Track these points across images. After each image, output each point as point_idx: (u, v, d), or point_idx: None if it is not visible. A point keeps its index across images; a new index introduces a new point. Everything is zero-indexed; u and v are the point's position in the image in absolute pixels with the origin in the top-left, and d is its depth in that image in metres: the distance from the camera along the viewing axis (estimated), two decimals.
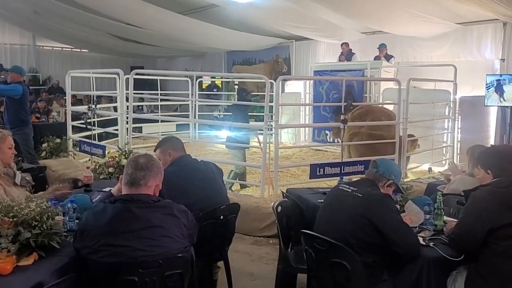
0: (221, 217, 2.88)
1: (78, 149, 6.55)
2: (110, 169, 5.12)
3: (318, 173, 5.03)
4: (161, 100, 10.03)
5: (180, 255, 2.03)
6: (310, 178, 5.09)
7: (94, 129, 6.57)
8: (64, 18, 10.59)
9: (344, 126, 5.01)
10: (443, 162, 6.86)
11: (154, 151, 3.12)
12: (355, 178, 4.67)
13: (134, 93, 6.21)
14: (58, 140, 6.58)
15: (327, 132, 8.69)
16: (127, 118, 6.18)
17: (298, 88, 9.60)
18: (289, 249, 3.06)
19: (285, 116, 8.76)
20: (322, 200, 2.78)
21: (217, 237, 2.92)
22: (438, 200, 2.67)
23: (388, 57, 8.80)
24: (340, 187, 2.57)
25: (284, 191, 3.84)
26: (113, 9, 9.48)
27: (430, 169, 6.40)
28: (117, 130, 6.69)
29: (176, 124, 9.70)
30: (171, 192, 2.53)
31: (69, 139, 6.86)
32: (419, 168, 6.69)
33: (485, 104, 6.57)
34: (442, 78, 7.09)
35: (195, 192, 2.83)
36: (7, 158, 2.97)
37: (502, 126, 6.83)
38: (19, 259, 1.92)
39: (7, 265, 1.84)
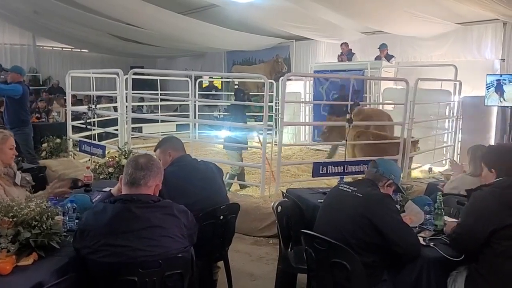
0: (221, 217, 2.87)
1: (78, 149, 6.55)
2: (110, 169, 5.13)
3: (321, 172, 5.03)
4: (161, 100, 10.03)
5: (180, 255, 2.02)
6: (312, 177, 5.10)
7: (94, 129, 6.57)
8: (64, 18, 10.59)
9: (350, 126, 5.00)
10: (443, 162, 6.86)
11: (154, 151, 3.12)
12: (359, 177, 4.67)
13: (134, 93, 6.21)
14: (58, 140, 6.57)
15: None
16: (127, 118, 6.18)
17: (298, 88, 9.60)
18: (289, 249, 3.06)
19: (286, 115, 8.74)
20: (322, 200, 2.77)
21: (217, 237, 2.92)
22: (439, 200, 2.67)
23: (388, 57, 8.80)
24: (340, 187, 2.57)
25: (284, 191, 3.84)
26: (113, 9, 9.48)
27: (430, 169, 6.40)
28: (117, 130, 6.70)
29: (176, 124, 9.70)
30: (171, 192, 2.53)
31: (69, 139, 6.86)
32: (420, 168, 6.68)
33: (485, 104, 6.56)
34: (442, 78, 7.09)
35: (195, 192, 2.82)
36: (8, 158, 2.97)
37: (502, 126, 6.82)
38: (19, 259, 1.92)
39: (7, 265, 1.84)
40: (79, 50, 15.61)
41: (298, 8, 8.29)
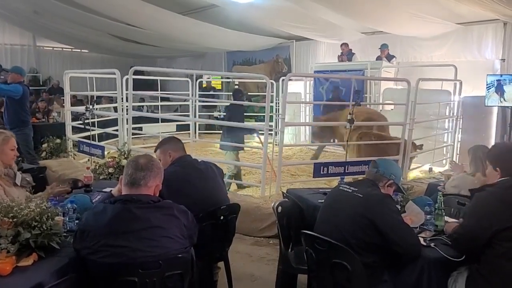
0: (221, 217, 2.87)
1: (77, 149, 6.55)
2: (110, 170, 5.13)
3: (321, 172, 5.04)
4: (161, 100, 10.01)
5: (180, 255, 2.02)
6: (313, 177, 5.10)
7: (92, 130, 6.56)
8: (64, 18, 10.59)
9: (351, 126, 5.00)
10: (444, 162, 6.85)
11: (155, 151, 3.11)
12: (359, 178, 4.66)
13: (134, 93, 6.20)
14: (58, 141, 6.57)
15: None
16: (127, 118, 6.18)
17: (298, 88, 9.60)
18: (290, 250, 3.06)
19: (286, 116, 8.74)
20: (322, 200, 2.77)
21: (217, 237, 2.91)
22: (439, 200, 2.66)
23: (389, 58, 8.79)
24: (341, 187, 2.57)
25: (285, 191, 3.84)
26: (113, 9, 9.48)
27: (430, 169, 6.40)
28: (117, 130, 6.69)
29: (176, 124, 9.70)
30: (171, 193, 2.52)
31: (68, 140, 6.86)
32: (420, 168, 6.68)
33: (486, 104, 6.56)
34: (442, 78, 7.09)
35: (195, 192, 2.82)
36: (9, 159, 2.96)
37: (503, 126, 6.82)
38: (19, 260, 1.91)
39: (7, 265, 1.84)
40: (79, 50, 15.60)
41: (298, 8, 8.28)
